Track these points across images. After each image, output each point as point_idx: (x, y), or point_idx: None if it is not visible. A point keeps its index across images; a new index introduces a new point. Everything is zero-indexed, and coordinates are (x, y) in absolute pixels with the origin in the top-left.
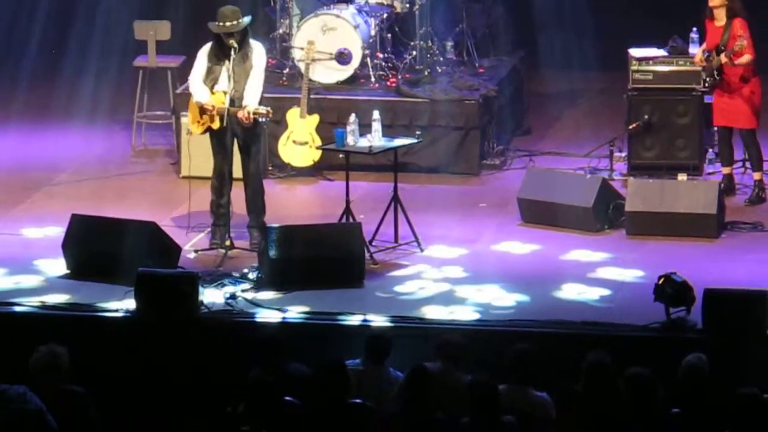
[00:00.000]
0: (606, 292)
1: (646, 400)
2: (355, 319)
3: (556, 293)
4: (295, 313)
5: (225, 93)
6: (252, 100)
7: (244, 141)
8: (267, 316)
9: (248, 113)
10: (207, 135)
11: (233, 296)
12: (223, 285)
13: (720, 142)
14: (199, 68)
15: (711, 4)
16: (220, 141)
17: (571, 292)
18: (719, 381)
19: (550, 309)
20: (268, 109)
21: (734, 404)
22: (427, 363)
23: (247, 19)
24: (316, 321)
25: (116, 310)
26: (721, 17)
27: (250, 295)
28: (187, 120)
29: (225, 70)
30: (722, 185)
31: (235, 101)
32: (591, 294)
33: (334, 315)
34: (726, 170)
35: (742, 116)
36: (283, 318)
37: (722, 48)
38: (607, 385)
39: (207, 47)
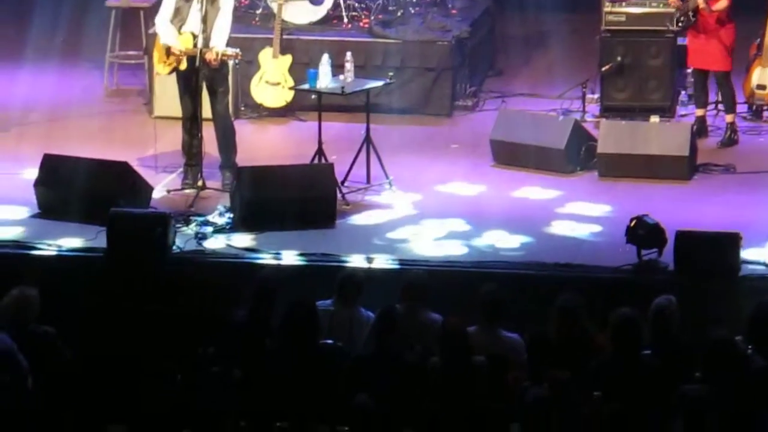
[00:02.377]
0: (577, 233)
1: (634, 342)
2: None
3: (526, 233)
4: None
5: (193, 34)
6: (219, 42)
7: (211, 82)
8: (239, 256)
9: (216, 54)
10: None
11: (205, 236)
12: (195, 225)
13: (695, 84)
14: (167, 8)
15: None
16: (187, 82)
17: (540, 232)
18: (690, 323)
19: (520, 249)
20: (237, 51)
21: (705, 347)
22: (397, 305)
23: None
24: (286, 261)
25: (88, 250)
26: None
27: (222, 236)
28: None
29: (193, 11)
30: (695, 127)
31: (205, 42)
32: (561, 236)
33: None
34: (699, 112)
35: (717, 59)
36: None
37: None
38: (577, 328)
39: None
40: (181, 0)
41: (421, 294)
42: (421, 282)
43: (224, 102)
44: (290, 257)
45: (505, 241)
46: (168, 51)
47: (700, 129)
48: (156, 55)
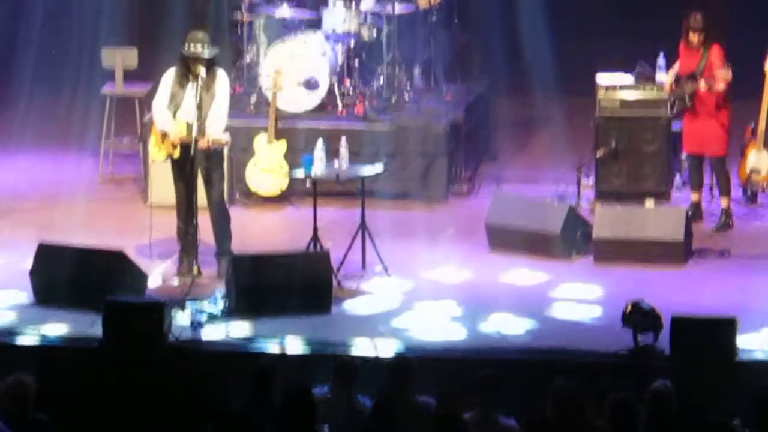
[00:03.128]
0: (573, 318)
1: (630, 426)
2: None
3: (522, 319)
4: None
5: (188, 123)
6: (214, 129)
7: (206, 169)
8: (235, 344)
9: (208, 141)
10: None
11: (200, 324)
12: (191, 313)
13: (690, 168)
14: (162, 94)
15: (691, 27)
16: (181, 169)
17: (536, 318)
18: (686, 407)
19: (518, 336)
20: (228, 139)
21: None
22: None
23: (216, 50)
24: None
25: (84, 339)
26: (698, 43)
27: (217, 323)
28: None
29: (188, 97)
30: (690, 212)
31: (200, 129)
32: (558, 321)
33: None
34: (694, 197)
35: (713, 143)
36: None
37: (698, 74)
38: (574, 411)
39: (171, 72)
40: (176, 86)
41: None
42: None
43: (219, 189)
44: (286, 344)
45: (506, 326)
46: (163, 136)
47: (695, 213)
48: (152, 140)
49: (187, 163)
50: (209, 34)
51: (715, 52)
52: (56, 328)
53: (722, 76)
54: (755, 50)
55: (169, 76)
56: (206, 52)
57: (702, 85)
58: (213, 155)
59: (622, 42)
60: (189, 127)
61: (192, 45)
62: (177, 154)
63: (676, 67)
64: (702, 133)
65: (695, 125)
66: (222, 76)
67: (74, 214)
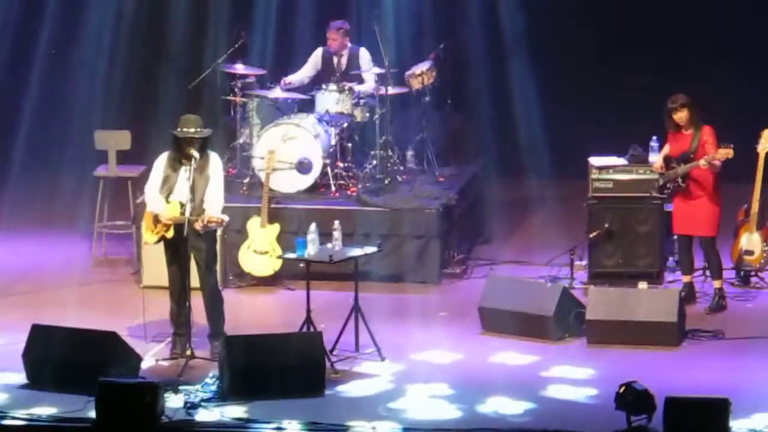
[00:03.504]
0: (567, 400)
1: None
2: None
3: (516, 402)
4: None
5: (181, 203)
6: (212, 209)
7: (199, 251)
8: (229, 426)
9: (203, 220)
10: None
11: (194, 405)
12: (185, 394)
13: (680, 250)
14: (155, 177)
15: (670, 108)
16: (174, 251)
17: (531, 401)
18: None
19: (513, 418)
20: (224, 217)
21: None
22: None
23: (208, 131)
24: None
25: (77, 420)
26: (687, 123)
27: (211, 405)
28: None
29: (181, 179)
30: (683, 293)
31: (193, 211)
32: (552, 404)
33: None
34: (686, 278)
35: (703, 224)
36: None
37: (691, 154)
38: None
39: (164, 156)
40: (168, 169)
41: None
42: None
43: (212, 270)
44: (279, 427)
45: (503, 407)
46: (156, 219)
47: (688, 295)
48: (144, 223)
49: (181, 245)
50: (202, 118)
51: (707, 131)
52: (49, 410)
53: (722, 154)
54: (748, 132)
55: (162, 160)
56: (199, 134)
57: (702, 162)
58: (207, 237)
59: (616, 126)
60: (182, 207)
61: (185, 127)
62: (170, 233)
63: (666, 149)
64: (692, 214)
65: (686, 206)
66: (215, 158)
67: (68, 296)
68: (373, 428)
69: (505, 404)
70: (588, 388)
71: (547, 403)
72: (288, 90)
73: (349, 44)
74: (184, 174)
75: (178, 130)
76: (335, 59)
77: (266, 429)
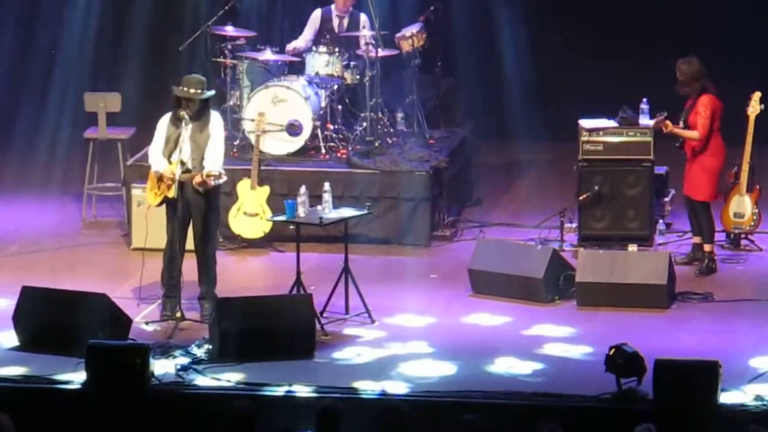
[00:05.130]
0: (557, 362)
1: None
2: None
3: (506, 364)
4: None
5: (182, 161)
6: (210, 165)
7: (199, 211)
8: (219, 388)
9: (202, 176)
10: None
11: (184, 368)
12: (174, 357)
13: (687, 211)
14: (158, 138)
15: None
16: (174, 210)
17: (520, 363)
18: None
19: (500, 380)
20: (221, 170)
21: None
22: None
23: (210, 93)
24: (266, 393)
25: (67, 382)
26: (688, 91)
27: (201, 367)
28: (142, 191)
29: (183, 138)
30: (691, 254)
31: (191, 170)
32: (541, 365)
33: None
34: (695, 239)
35: (695, 187)
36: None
37: (684, 118)
38: None
39: (167, 116)
40: (171, 127)
41: (393, 421)
42: (392, 409)
43: (209, 232)
44: (269, 389)
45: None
46: (159, 179)
47: (695, 257)
48: (148, 185)
49: (183, 204)
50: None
51: (702, 101)
52: (39, 371)
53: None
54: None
55: (165, 119)
56: (198, 95)
57: (667, 125)
58: (209, 202)
59: (607, 88)
60: (183, 165)
61: (186, 86)
62: (173, 192)
63: None
64: (688, 177)
65: (687, 168)
66: (216, 117)
67: (58, 258)
68: (360, 390)
69: (513, 364)
70: (582, 346)
71: (553, 363)
72: (294, 55)
73: (352, 8)
74: (186, 132)
75: (179, 88)
76: (336, 20)
77: (252, 389)
